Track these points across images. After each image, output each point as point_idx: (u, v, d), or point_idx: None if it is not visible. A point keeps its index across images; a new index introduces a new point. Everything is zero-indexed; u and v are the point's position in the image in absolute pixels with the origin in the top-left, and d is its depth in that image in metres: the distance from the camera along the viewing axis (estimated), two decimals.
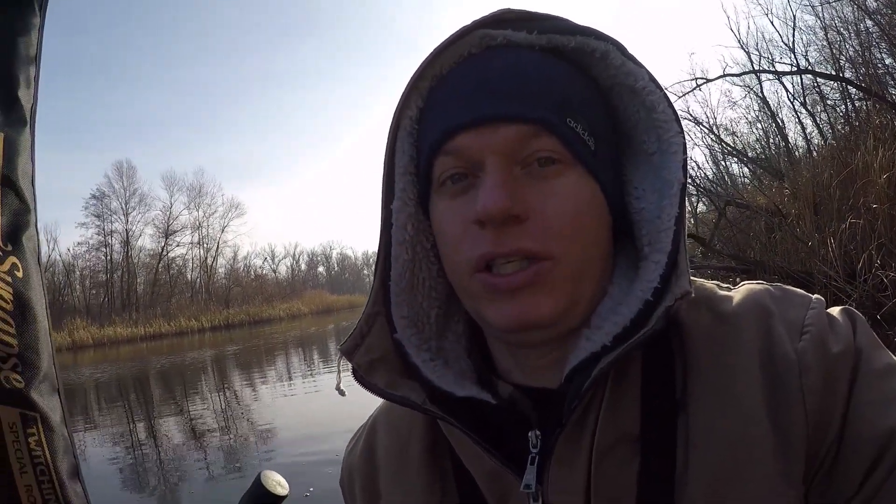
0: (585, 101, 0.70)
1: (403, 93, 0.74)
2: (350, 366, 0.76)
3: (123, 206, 56.44)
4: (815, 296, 0.72)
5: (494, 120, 0.66)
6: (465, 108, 0.67)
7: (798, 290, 0.74)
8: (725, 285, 0.78)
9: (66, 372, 24.99)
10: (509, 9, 0.71)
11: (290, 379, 15.83)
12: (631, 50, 0.71)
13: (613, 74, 0.72)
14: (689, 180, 0.71)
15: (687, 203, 0.71)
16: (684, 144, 0.70)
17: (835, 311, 0.71)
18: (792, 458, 0.63)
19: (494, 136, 0.66)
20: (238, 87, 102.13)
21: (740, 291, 0.74)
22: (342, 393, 0.79)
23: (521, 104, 0.66)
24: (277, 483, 0.95)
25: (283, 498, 0.94)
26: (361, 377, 0.75)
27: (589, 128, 0.68)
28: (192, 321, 47.43)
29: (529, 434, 0.71)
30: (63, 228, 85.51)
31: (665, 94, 0.70)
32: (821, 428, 0.64)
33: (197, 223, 59.87)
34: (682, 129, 0.70)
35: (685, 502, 0.64)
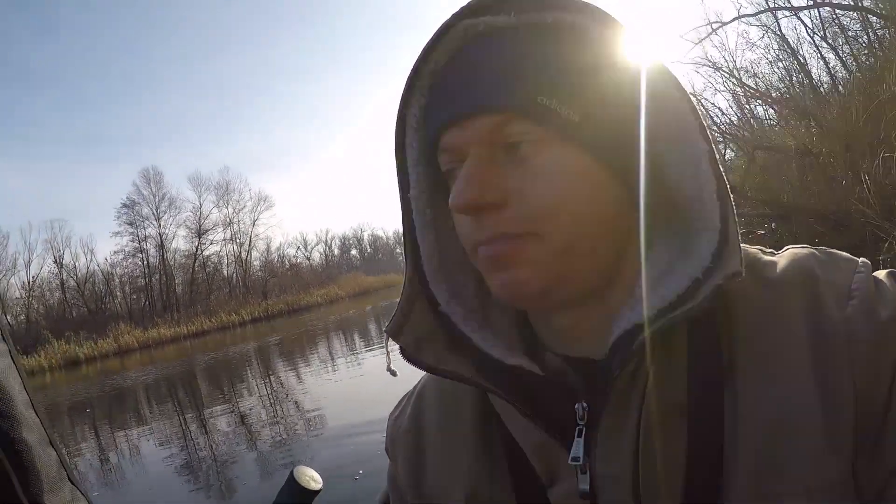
0: (567, 74, 0.67)
1: (402, 94, 0.76)
2: (397, 346, 0.78)
3: (154, 211, 57.06)
4: (861, 259, 0.71)
5: (472, 114, 0.67)
6: (449, 105, 0.69)
7: (844, 253, 0.72)
8: (769, 250, 0.77)
9: (114, 377, 25.51)
10: None
11: (334, 362, 15.91)
12: (612, 16, 0.68)
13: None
14: (715, 127, 0.69)
15: (716, 152, 0.69)
16: (693, 109, 0.68)
17: (881, 274, 0.70)
18: (840, 428, 0.62)
19: (471, 130, 0.68)
20: (242, 81, 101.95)
21: (785, 256, 0.73)
22: (394, 373, 0.80)
23: (492, 93, 0.66)
24: (311, 478, 0.96)
25: (317, 493, 0.95)
26: (410, 355, 0.77)
27: (569, 100, 0.66)
28: (233, 315, 47.80)
29: (576, 406, 0.71)
30: (98, 240, 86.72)
31: (658, 61, 0.68)
32: (868, 397, 0.62)
33: (228, 220, 60.25)
34: (684, 94, 0.68)
35: (734, 473, 0.63)
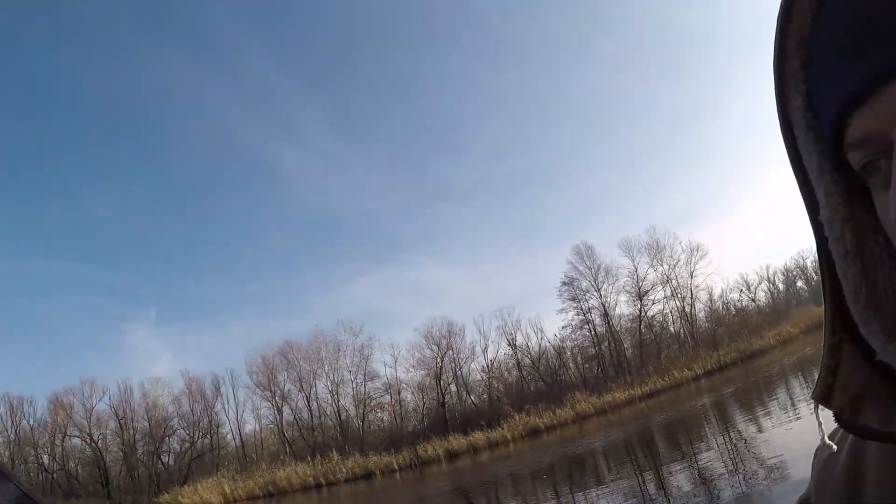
0: None
1: (776, 88, 0.60)
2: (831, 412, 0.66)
3: (593, 283, 59.48)
4: None
5: (876, 83, 0.47)
6: (839, 82, 0.51)
7: None
8: None
9: (572, 443, 27.17)
10: None
11: (794, 407, 15.18)
12: None
13: None
14: None
15: None
16: None
17: None
18: None
19: (883, 104, 0.47)
20: (643, 144, 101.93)
21: None
22: (830, 448, 0.74)
23: (893, 40, 0.45)
24: None
25: None
26: (847, 422, 0.65)
27: None
28: (685, 371, 46.77)
29: None
30: (545, 319, 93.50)
31: None
32: None
33: (665, 277, 60.09)
34: None
35: None
